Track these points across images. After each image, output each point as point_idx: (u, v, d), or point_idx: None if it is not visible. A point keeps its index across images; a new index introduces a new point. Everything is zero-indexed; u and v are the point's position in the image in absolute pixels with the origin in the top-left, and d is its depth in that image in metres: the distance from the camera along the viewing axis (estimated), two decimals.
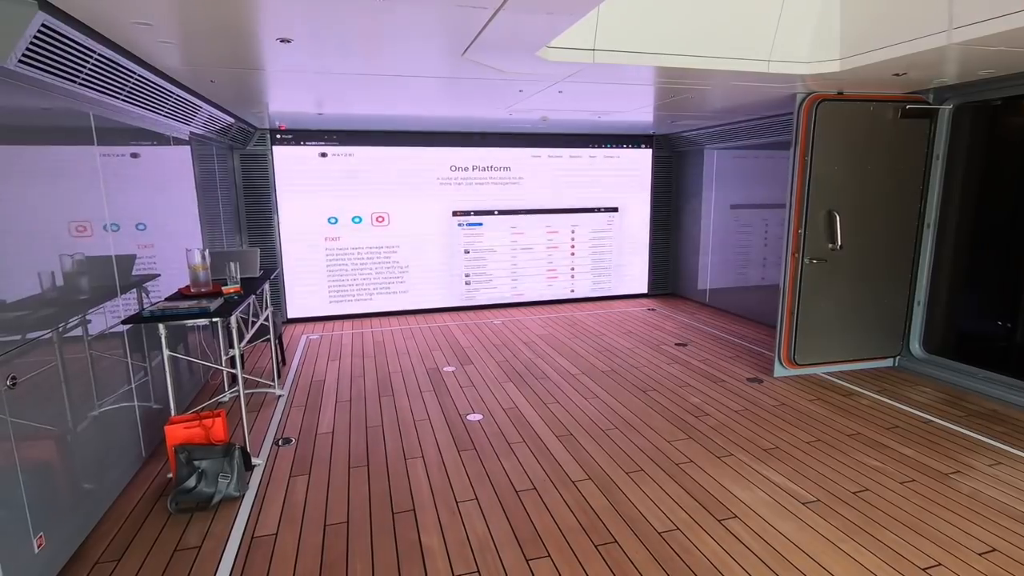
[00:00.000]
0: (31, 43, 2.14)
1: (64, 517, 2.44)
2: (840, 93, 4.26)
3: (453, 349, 5.70)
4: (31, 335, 2.29)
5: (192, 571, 2.42)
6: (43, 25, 2.14)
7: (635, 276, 8.24)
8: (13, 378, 2.11)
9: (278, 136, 6.52)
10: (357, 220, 6.97)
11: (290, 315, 6.94)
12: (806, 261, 4.47)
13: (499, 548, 2.54)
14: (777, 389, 4.47)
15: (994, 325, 4.65)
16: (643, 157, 7.91)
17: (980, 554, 2.46)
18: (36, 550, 2.19)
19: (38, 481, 2.25)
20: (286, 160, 6.61)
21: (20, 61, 2.14)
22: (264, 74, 3.58)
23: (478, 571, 2.39)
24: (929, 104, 4.40)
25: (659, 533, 2.64)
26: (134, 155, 3.56)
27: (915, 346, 4.81)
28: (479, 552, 2.52)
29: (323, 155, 6.71)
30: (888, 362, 4.94)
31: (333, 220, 6.89)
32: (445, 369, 5.07)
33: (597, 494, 2.98)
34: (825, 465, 3.25)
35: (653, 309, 7.53)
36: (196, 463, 2.89)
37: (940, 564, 2.40)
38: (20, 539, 2.10)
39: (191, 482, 2.87)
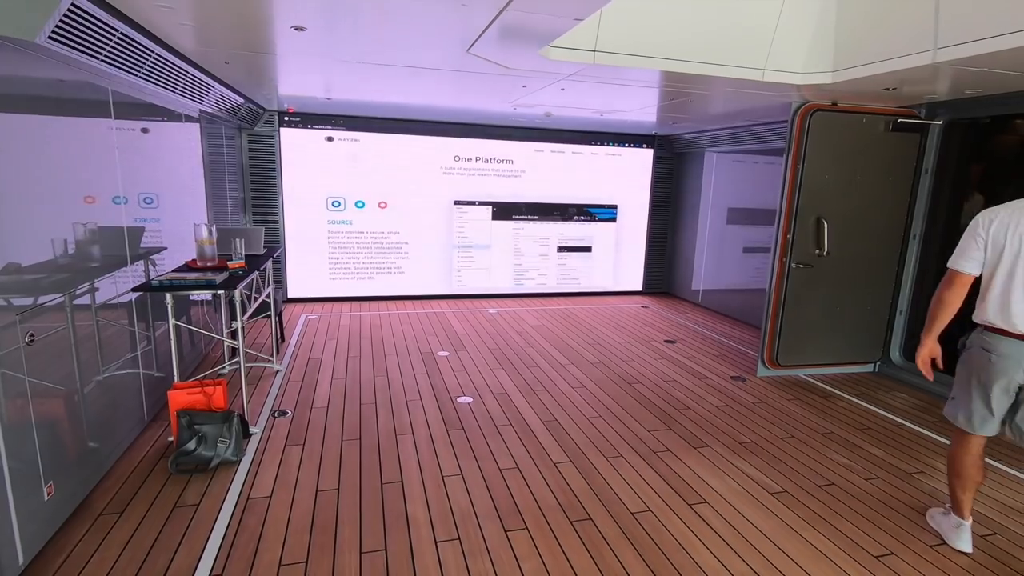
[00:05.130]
0: (60, 20, 2.26)
1: (72, 470, 2.59)
2: (835, 104, 4.38)
3: (448, 335, 5.85)
4: (44, 298, 2.42)
5: (190, 526, 2.57)
6: (73, 4, 2.26)
7: (631, 273, 8.38)
8: (31, 335, 2.25)
9: (286, 118, 6.63)
10: (360, 204, 7.09)
11: (290, 295, 7.07)
12: (793, 265, 4.61)
13: (480, 520, 2.70)
14: (758, 388, 4.62)
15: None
16: (644, 156, 8.03)
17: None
18: (46, 497, 2.34)
19: (49, 435, 2.39)
20: (293, 142, 6.73)
21: (50, 37, 2.26)
22: (276, 58, 3.70)
23: (459, 539, 2.55)
24: (920, 119, 4.52)
25: (632, 513, 2.79)
26: (144, 130, 3.68)
27: (895, 353, 4.96)
28: (461, 522, 2.67)
29: (329, 139, 6.83)
30: (868, 367, 5.09)
31: (336, 203, 7.01)
32: (439, 353, 5.22)
33: (576, 475, 3.13)
34: (796, 460, 3.41)
35: (646, 307, 7.67)
36: (197, 427, 3.04)
37: (892, 553, 2.55)
38: (32, 486, 2.25)
39: (191, 445, 3.02)
